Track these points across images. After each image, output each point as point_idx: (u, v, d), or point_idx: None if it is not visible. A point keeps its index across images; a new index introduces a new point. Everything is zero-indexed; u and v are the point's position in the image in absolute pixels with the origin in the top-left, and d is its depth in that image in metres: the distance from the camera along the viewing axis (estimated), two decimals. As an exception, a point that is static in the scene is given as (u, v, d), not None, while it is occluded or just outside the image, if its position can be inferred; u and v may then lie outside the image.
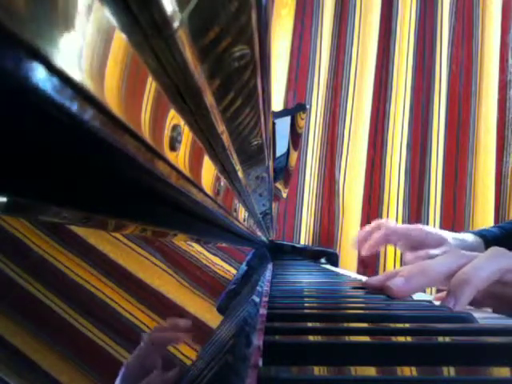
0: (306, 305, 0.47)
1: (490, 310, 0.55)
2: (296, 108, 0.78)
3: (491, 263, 0.47)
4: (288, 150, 0.85)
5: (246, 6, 0.18)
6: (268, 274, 0.77)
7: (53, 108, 0.10)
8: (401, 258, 1.74)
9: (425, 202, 1.83)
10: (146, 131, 0.16)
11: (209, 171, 0.30)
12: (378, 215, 1.80)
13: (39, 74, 0.09)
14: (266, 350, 0.25)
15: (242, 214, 0.56)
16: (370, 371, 0.23)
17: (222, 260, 0.43)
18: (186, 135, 0.22)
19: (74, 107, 0.11)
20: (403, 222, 1.80)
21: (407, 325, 0.34)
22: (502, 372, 0.23)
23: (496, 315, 0.48)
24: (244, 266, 0.58)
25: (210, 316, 0.30)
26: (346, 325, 0.34)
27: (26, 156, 0.13)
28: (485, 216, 1.82)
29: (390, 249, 1.73)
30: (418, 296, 0.55)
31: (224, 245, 0.51)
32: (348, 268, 1.60)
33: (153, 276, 0.23)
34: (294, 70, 1.82)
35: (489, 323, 0.40)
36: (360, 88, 1.83)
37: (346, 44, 1.86)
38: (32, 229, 0.14)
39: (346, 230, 1.79)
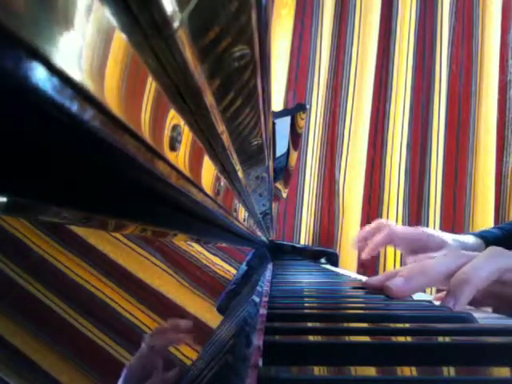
0: (305, 305, 0.47)
1: (489, 309, 0.55)
2: (296, 108, 0.78)
3: (490, 263, 0.47)
4: (288, 149, 0.85)
5: (245, 5, 0.18)
6: (268, 273, 0.77)
7: (53, 108, 0.10)
8: (401, 259, 1.74)
9: (425, 202, 1.83)
10: (146, 131, 0.16)
11: (209, 171, 0.30)
12: (378, 215, 1.80)
13: (39, 74, 0.09)
14: (266, 350, 0.25)
15: (242, 213, 0.56)
16: (370, 371, 0.23)
17: (222, 260, 0.43)
18: (186, 135, 0.22)
19: (74, 107, 0.11)
20: (403, 221, 1.80)
21: (407, 325, 0.34)
22: (502, 372, 0.23)
23: (496, 315, 0.48)
24: (244, 266, 0.58)
25: (210, 316, 0.30)
26: (346, 325, 0.34)
27: (26, 156, 0.13)
28: (485, 216, 1.82)
29: (390, 249, 1.73)
30: (417, 296, 0.55)
31: (224, 245, 0.51)
32: (348, 268, 1.60)
33: (153, 276, 0.23)
34: (294, 69, 1.82)
35: (489, 323, 0.40)
36: (360, 88, 1.83)
37: (345, 44, 1.86)
38: (32, 229, 0.14)
39: (346, 230, 1.79)
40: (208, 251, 0.39)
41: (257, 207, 0.71)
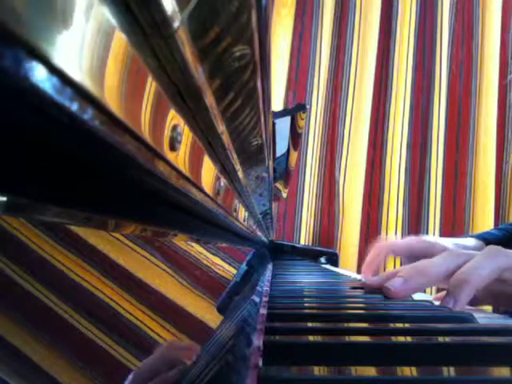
0: (305, 305, 0.47)
1: (490, 310, 0.55)
2: (296, 108, 0.78)
3: (489, 262, 0.47)
4: (288, 150, 0.85)
5: (245, 5, 0.18)
6: (268, 273, 0.77)
7: (53, 108, 0.10)
8: (401, 259, 1.74)
9: (425, 202, 1.83)
10: (145, 131, 0.16)
11: (209, 171, 0.30)
12: (378, 215, 1.80)
13: (39, 74, 0.09)
14: (266, 350, 0.25)
15: (242, 213, 0.56)
16: (370, 371, 0.23)
17: (222, 260, 0.43)
18: (186, 135, 0.22)
19: (74, 107, 0.11)
20: (403, 221, 1.80)
21: (407, 325, 0.34)
22: (502, 372, 0.23)
23: (496, 315, 0.48)
24: (244, 266, 0.58)
25: (210, 316, 0.30)
26: (345, 325, 0.34)
27: (26, 156, 0.13)
28: (485, 216, 1.82)
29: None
30: (418, 296, 0.55)
31: (224, 245, 0.51)
32: (348, 268, 1.60)
33: (153, 276, 0.23)
34: (294, 69, 1.82)
35: (489, 323, 0.40)
36: (360, 88, 1.83)
37: (345, 44, 1.86)
38: (32, 229, 0.14)
39: (346, 230, 1.79)
40: (208, 251, 0.39)
41: (257, 207, 0.71)
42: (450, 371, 0.23)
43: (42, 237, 0.15)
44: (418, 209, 1.84)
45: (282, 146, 0.80)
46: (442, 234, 1.81)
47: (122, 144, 0.15)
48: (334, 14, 1.87)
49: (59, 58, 0.10)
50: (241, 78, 0.23)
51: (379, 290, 0.51)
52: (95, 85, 0.11)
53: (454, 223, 1.86)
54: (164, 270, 0.25)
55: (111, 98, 0.13)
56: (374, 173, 1.84)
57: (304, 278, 0.85)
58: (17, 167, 0.12)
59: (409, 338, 0.29)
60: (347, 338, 0.29)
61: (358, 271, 1.70)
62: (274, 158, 0.70)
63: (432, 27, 1.89)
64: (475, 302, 0.52)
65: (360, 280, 0.79)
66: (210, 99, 0.22)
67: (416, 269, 0.51)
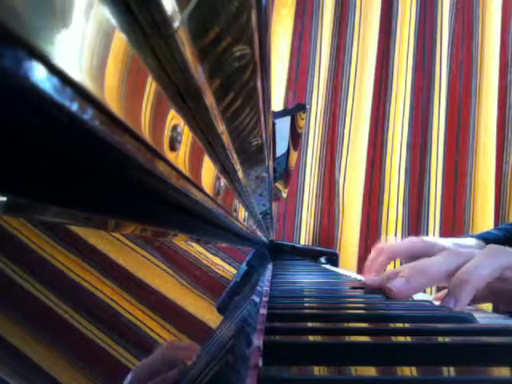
0: (305, 305, 0.47)
1: (490, 309, 0.55)
2: (296, 108, 0.78)
3: (490, 261, 0.47)
4: (288, 149, 0.85)
5: (245, 5, 0.18)
6: (268, 273, 0.77)
7: (53, 108, 0.10)
8: (401, 259, 1.74)
9: (425, 202, 1.83)
10: (145, 131, 0.16)
11: (209, 171, 0.30)
12: (378, 215, 1.80)
13: (39, 74, 0.09)
14: (266, 350, 0.25)
15: (242, 213, 0.56)
16: (370, 371, 0.23)
17: (222, 260, 0.43)
18: (186, 135, 0.22)
19: (74, 107, 0.11)
20: (403, 221, 1.80)
21: (407, 325, 0.34)
22: (502, 372, 0.23)
23: (496, 315, 0.48)
24: (244, 266, 0.58)
25: (210, 316, 0.30)
26: (346, 325, 0.34)
27: (26, 156, 0.13)
28: (485, 216, 1.82)
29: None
30: (418, 296, 0.55)
31: (224, 245, 0.51)
32: (348, 268, 1.60)
33: (153, 276, 0.23)
34: (294, 69, 1.82)
35: (489, 323, 0.40)
36: (360, 88, 1.83)
37: (345, 44, 1.86)
38: (32, 229, 0.14)
39: (346, 230, 1.79)
40: (208, 251, 0.39)
41: (257, 207, 0.71)
42: (449, 371, 0.23)
43: (42, 237, 0.15)
44: (418, 209, 1.84)
45: (281, 146, 0.80)
46: (442, 234, 1.81)
47: (122, 144, 0.15)
48: (334, 14, 1.87)
49: (59, 58, 0.10)
50: (241, 78, 0.23)
51: (380, 290, 0.51)
52: (95, 85, 0.11)
53: (453, 223, 1.86)
54: (164, 269, 0.25)
55: (111, 98, 0.13)
56: (374, 173, 1.84)
57: (304, 278, 0.85)
58: (17, 167, 0.12)
59: (409, 338, 0.29)
60: (347, 338, 0.29)
61: (358, 271, 1.70)
62: (274, 158, 0.70)
63: (432, 27, 1.89)
64: (476, 300, 0.52)
65: (360, 280, 0.79)
66: (209, 99, 0.22)
67: (417, 269, 0.51)
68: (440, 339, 0.29)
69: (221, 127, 0.26)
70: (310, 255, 1.50)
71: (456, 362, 0.26)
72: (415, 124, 1.87)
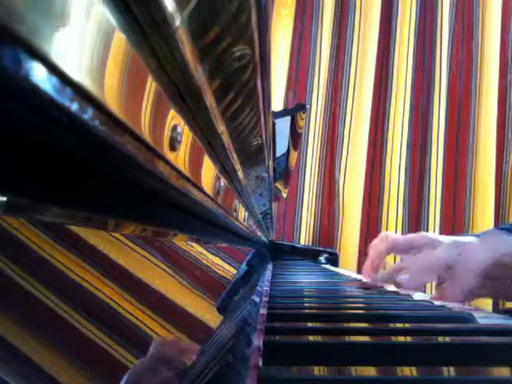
0: (306, 305, 0.47)
1: (489, 310, 0.56)
2: (296, 108, 0.78)
3: (487, 247, 0.49)
4: (288, 149, 0.85)
5: (245, 5, 0.18)
6: (268, 273, 0.77)
7: (53, 108, 0.10)
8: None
9: (425, 202, 1.83)
10: (145, 131, 0.16)
11: (209, 171, 0.30)
12: (378, 215, 1.80)
13: (39, 74, 0.09)
14: (266, 350, 0.25)
15: (242, 213, 0.56)
16: (370, 371, 0.23)
17: (222, 260, 0.43)
18: (186, 135, 0.22)
19: (74, 107, 0.11)
20: (403, 221, 1.80)
21: (407, 325, 0.34)
22: (502, 372, 0.23)
23: (496, 315, 0.48)
24: (244, 266, 0.58)
25: (210, 316, 0.30)
26: (346, 325, 0.34)
27: (26, 156, 0.13)
28: (485, 216, 1.82)
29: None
30: (418, 296, 0.55)
31: (224, 245, 0.51)
32: (348, 268, 1.60)
33: (153, 276, 0.23)
34: (294, 69, 1.81)
35: (489, 323, 0.40)
36: (360, 88, 1.83)
37: (346, 44, 1.86)
38: (32, 229, 0.14)
39: (346, 229, 1.79)
40: (208, 251, 0.39)
41: (257, 207, 0.71)
42: (450, 371, 0.23)
43: (42, 237, 0.15)
44: (418, 209, 1.84)
45: (281, 146, 0.80)
46: (442, 233, 1.80)
47: (122, 144, 0.14)
48: (334, 14, 1.87)
49: (59, 58, 0.10)
50: (241, 78, 0.23)
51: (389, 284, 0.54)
52: (95, 85, 0.11)
53: (453, 223, 1.86)
54: (164, 269, 0.25)
55: (111, 98, 0.13)
56: (374, 173, 1.84)
57: (304, 278, 0.85)
58: (17, 167, 0.12)
59: (409, 338, 0.29)
60: (347, 338, 0.29)
61: (358, 271, 1.70)
62: (274, 158, 0.70)
63: (432, 27, 1.89)
64: (477, 291, 0.53)
65: (360, 280, 0.79)
66: (210, 99, 0.22)
67: (420, 261, 0.53)
68: (440, 339, 0.29)
69: (221, 127, 0.26)
70: (309, 255, 1.50)
71: (456, 362, 0.26)
72: (415, 124, 1.87)
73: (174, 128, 0.19)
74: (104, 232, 0.19)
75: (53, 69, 0.10)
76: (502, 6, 1.91)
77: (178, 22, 0.15)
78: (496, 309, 1.75)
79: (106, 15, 0.12)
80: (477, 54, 1.91)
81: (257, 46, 0.21)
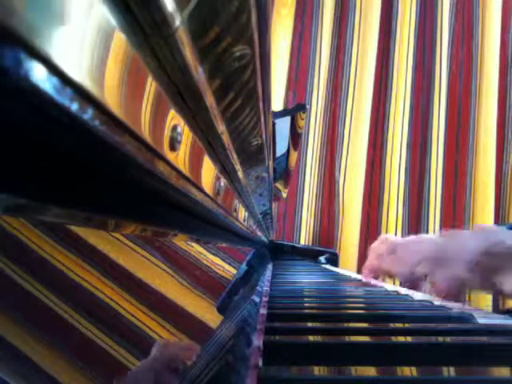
0: (306, 305, 0.47)
1: (489, 310, 0.57)
2: (296, 108, 0.78)
3: (476, 238, 0.51)
4: (288, 149, 0.85)
5: (245, 5, 0.18)
6: (268, 273, 0.77)
7: (53, 108, 0.10)
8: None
9: (425, 202, 1.83)
10: (145, 131, 0.16)
11: (209, 171, 0.30)
12: (378, 215, 1.80)
13: (39, 74, 0.09)
14: (266, 350, 0.25)
15: (242, 213, 0.56)
16: (370, 371, 0.23)
17: (222, 260, 0.43)
18: (186, 135, 0.22)
19: (74, 107, 0.11)
20: (403, 221, 1.80)
21: (407, 325, 0.34)
22: (502, 372, 0.23)
23: (496, 315, 0.48)
24: (244, 266, 0.58)
25: (210, 316, 0.30)
26: (345, 325, 0.34)
27: (26, 156, 0.13)
28: (485, 216, 1.82)
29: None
30: (418, 296, 0.55)
31: (224, 245, 0.51)
32: (348, 268, 1.60)
33: (153, 276, 0.23)
34: (294, 69, 1.81)
35: (489, 323, 0.40)
36: (360, 88, 1.83)
37: (346, 44, 1.86)
38: (32, 229, 0.14)
39: (346, 230, 1.79)
40: (208, 251, 0.39)
41: (257, 207, 0.71)
42: (450, 371, 0.23)
43: (42, 237, 0.15)
44: (418, 209, 1.84)
45: (281, 146, 0.80)
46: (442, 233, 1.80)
47: (122, 144, 0.14)
48: (334, 14, 1.87)
49: (59, 58, 0.10)
50: (241, 78, 0.23)
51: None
52: (95, 85, 0.11)
53: (453, 223, 1.85)
54: (164, 269, 0.25)
55: (111, 98, 0.13)
56: (374, 173, 1.84)
57: (304, 278, 0.85)
58: (17, 167, 0.12)
59: (409, 338, 0.29)
60: (347, 338, 0.29)
61: (358, 271, 1.70)
62: (274, 158, 0.70)
63: (432, 27, 1.89)
64: (468, 281, 0.55)
65: (360, 280, 0.79)
66: (210, 99, 0.22)
67: (409, 245, 0.55)
68: (440, 339, 0.29)
69: (221, 127, 0.26)
70: (309, 255, 1.50)
71: (456, 362, 0.26)
72: (415, 124, 1.87)
73: (174, 128, 0.19)
74: (104, 232, 0.19)
75: (53, 69, 0.10)
76: (502, 6, 1.91)
77: (178, 22, 0.15)
78: (496, 309, 1.76)
79: (106, 15, 0.12)
80: (477, 54, 1.91)
81: (257, 46, 0.21)
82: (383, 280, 0.81)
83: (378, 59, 1.84)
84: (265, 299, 0.43)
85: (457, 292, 0.51)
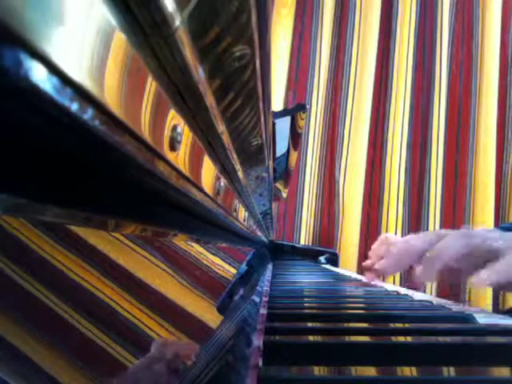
0: (306, 305, 0.47)
1: (489, 310, 0.57)
2: (296, 108, 0.78)
3: (459, 240, 0.53)
4: (288, 149, 0.85)
5: (245, 5, 0.18)
6: (268, 273, 0.77)
7: (53, 108, 0.10)
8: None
9: (425, 202, 1.83)
10: (145, 131, 0.16)
11: (209, 171, 0.30)
12: (378, 215, 1.80)
13: (39, 74, 0.09)
14: (266, 350, 0.25)
15: (242, 213, 0.56)
16: (370, 371, 0.23)
17: (222, 260, 0.43)
18: (186, 135, 0.22)
19: (74, 107, 0.11)
20: (403, 221, 1.80)
21: (407, 325, 0.34)
22: (502, 372, 0.23)
23: (496, 315, 0.48)
24: (244, 266, 0.58)
25: (210, 316, 0.30)
26: (345, 325, 0.34)
27: (26, 156, 0.13)
28: (485, 216, 1.82)
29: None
30: (418, 296, 0.55)
31: (224, 245, 0.51)
32: (348, 268, 1.60)
33: (153, 276, 0.23)
34: (294, 69, 1.82)
35: (489, 323, 0.40)
36: (360, 88, 1.83)
37: (346, 44, 1.86)
38: (32, 229, 0.14)
39: (346, 230, 1.79)
40: (208, 251, 0.39)
41: (257, 207, 0.71)
42: (450, 371, 0.23)
43: (42, 237, 0.15)
44: (418, 209, 1.84)
45: (281, 146, 0.80)
46: (442, 233, 1.80)
47: (122, 144, 0.15)
48: (334, 14, 1.87)
49: (59, 58, 0.10)
50: (241, 78, 0.23)
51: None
52: (95, 85, 0.11)
53: (454, 223, 1.86)
54: (164, 269, 0.25)
55: (111, 98, 0.13)
56: (374, 173, 1.84)
57: (304, 278, 0.85)
58: (17, 167, 0.12)
59: (409, 338, 0.29)
60: (347, 338, 0.29)
61: (358, 271, 1.70)
62: (274, 158, 0.70)
63: (432, 27, 1.89)
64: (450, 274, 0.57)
65: (360, 280, 0.79)
66: (210, 99, 0.22)
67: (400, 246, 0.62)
68: (440, 339, 0.29)
69: (221, 127, 0.26)
70: (309, 255, 1.50)
71: (456, 362, 0.26)
72: (415, 124, 1.87)
73: (174, 128, 0.19)
74: (104, 232, 0.19)
75: (53, 69, 0.10)
76: (502, 6, 1.91)
77: (178, 22, 0.15)
78: (496, 309, 1.76)
79: (106, 15, 0.12)
80: (477, 54, 1.91)
81: (257, 46, 0.21)
82: (383, 280, 0.81)
83: (378, 59, 1.84)
84: (265, 299, 0.43)
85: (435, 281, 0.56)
